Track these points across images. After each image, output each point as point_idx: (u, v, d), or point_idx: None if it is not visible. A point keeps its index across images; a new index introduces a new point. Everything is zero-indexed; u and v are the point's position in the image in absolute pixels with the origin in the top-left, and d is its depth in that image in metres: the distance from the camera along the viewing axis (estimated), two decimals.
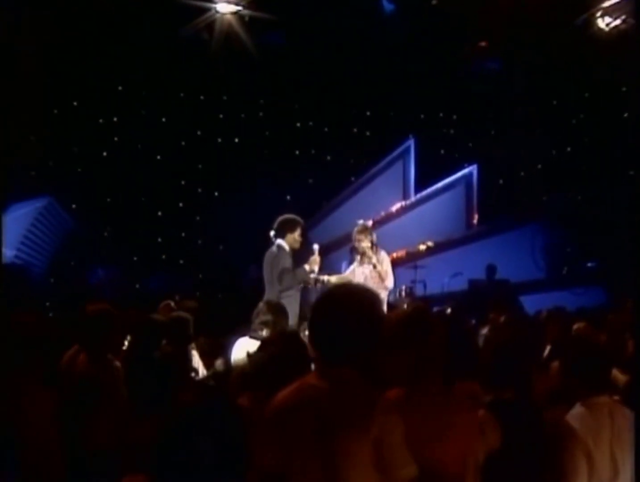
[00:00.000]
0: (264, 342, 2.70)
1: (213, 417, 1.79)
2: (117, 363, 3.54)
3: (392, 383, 2.10)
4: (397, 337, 2.08)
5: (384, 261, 6.11)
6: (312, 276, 5.68)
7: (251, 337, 4.07)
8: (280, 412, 1.91)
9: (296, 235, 5.75)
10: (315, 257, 5.69)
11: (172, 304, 6.22)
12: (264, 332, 3.95)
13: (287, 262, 5.64)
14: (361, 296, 2.00)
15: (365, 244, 6.05)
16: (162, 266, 10.10)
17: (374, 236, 6.14)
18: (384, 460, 1.82)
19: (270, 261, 5.70)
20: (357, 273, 6.11)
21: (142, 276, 10.02)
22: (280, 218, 5.84)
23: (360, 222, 6.18)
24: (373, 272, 6.01)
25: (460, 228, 11.21)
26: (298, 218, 5.87)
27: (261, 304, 4.26)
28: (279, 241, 5.75)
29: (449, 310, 6.49)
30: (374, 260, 6.05)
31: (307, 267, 5.69)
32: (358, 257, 6.13)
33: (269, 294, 5.55)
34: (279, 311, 4.17)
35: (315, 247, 5.78)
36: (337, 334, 1.89)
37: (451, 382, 2.15)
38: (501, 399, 2.46)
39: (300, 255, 5.94)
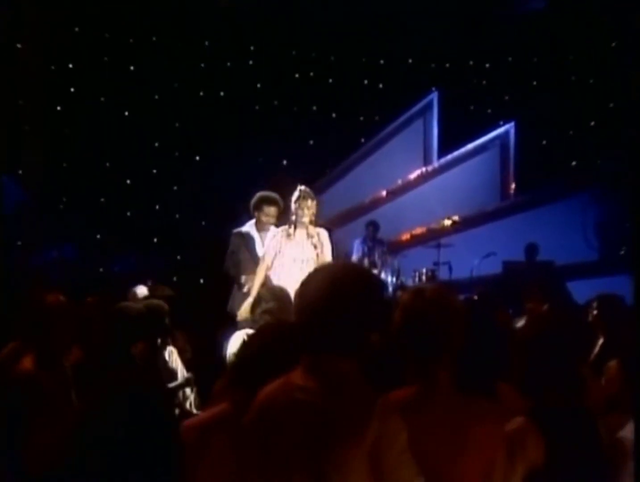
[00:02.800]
0: (251, 336, 2.67)
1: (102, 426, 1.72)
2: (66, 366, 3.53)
3: (398, 382, 2.11)
4: (404, 323, 2.09)
5: (325, 242, 5.92)
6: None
7: (252, 329, 4.20)
8: (260, 417, 1.92)
9: (262, 216, 6.23)
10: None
11: (145, 290, 6.39)
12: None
13: (232, 245, 6.29)
14: (360, 271, 2.05)
15: (307, 217, 5.83)
16: (131, 245, 10.06)
17: (315, 208, 5.97)
18: (384, 474, 1.81)
19: None
20: (287, 256, 5.86)
21: (106, 257, 9.98)
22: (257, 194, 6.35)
23: (302, 188, 5.94)
24: (311, 255, 5.82)
25: (493, 199, 11.11)
26: (271, 196, 6.25)
27: (263, 290, 4.46)
28: (250, 221, 6.38)
29: (476, 297, 6.42)
30: (315, 240, 5.85)
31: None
32: (290, 232, 5.88)
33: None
34: (283, 297, 4.27)
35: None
36: (330, 314, 1.88)
37: (466, 384, 2.11)
38: (544, 405, 2.40)
39: None
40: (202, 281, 10.00)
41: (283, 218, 6.20)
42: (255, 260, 6.16)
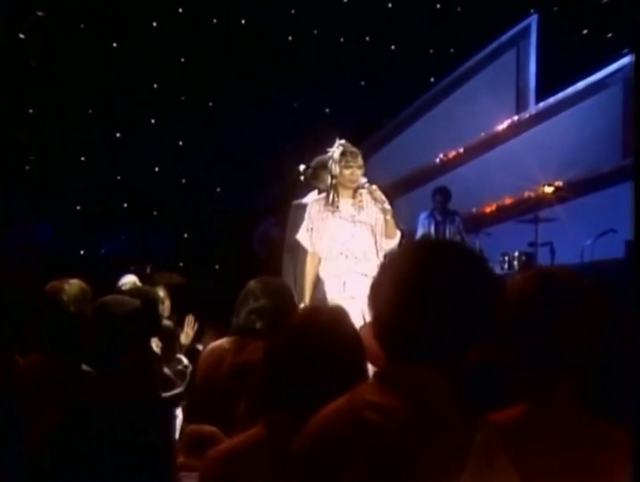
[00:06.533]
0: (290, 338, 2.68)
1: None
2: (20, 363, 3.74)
3: (507, 399, 2.14)
4: (516, 320, 2.07)
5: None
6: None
7: (233, 334, 4.23)
8: (315, 444, 1.94)
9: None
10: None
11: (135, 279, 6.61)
12: (258, 326, 4.14)
13: (300, 226, 6.06)
14: (466, 251, 2.07)
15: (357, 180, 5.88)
16: (122, 221, 10.23)
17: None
18: None
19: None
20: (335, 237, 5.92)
21: (89, 236, 10.11)
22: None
23: (342, 141, 5.87)
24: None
25: (613, 156, 10.74)
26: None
27: (253, 283, 4.36)
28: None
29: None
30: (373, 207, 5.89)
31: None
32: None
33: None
34: (280, 293, 4.26)
35: None
36: (425, 311, 1.91)
37: (594, 403, 2.11)
38: None
39: None
40: (217, 266, 10.02)
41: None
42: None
